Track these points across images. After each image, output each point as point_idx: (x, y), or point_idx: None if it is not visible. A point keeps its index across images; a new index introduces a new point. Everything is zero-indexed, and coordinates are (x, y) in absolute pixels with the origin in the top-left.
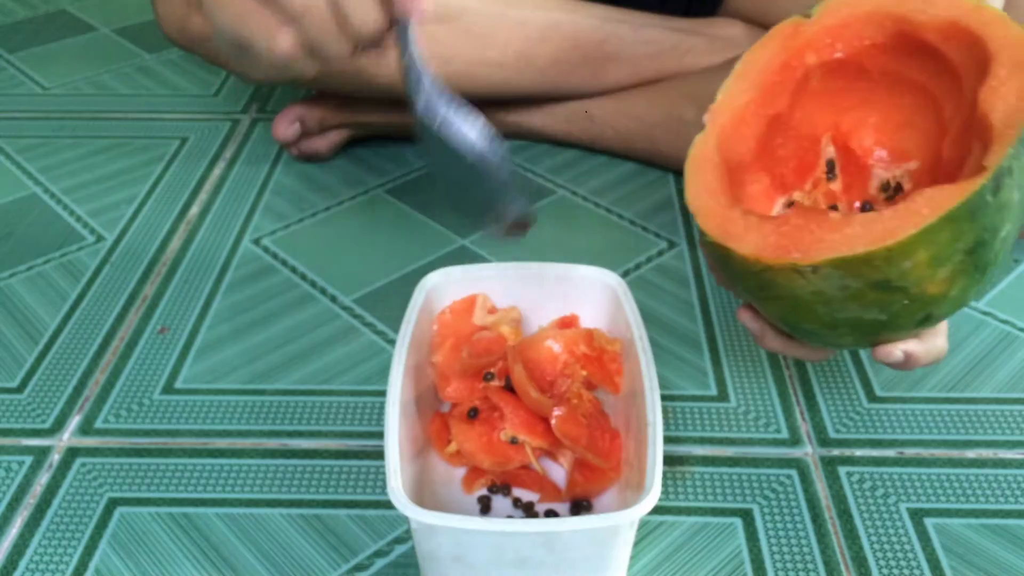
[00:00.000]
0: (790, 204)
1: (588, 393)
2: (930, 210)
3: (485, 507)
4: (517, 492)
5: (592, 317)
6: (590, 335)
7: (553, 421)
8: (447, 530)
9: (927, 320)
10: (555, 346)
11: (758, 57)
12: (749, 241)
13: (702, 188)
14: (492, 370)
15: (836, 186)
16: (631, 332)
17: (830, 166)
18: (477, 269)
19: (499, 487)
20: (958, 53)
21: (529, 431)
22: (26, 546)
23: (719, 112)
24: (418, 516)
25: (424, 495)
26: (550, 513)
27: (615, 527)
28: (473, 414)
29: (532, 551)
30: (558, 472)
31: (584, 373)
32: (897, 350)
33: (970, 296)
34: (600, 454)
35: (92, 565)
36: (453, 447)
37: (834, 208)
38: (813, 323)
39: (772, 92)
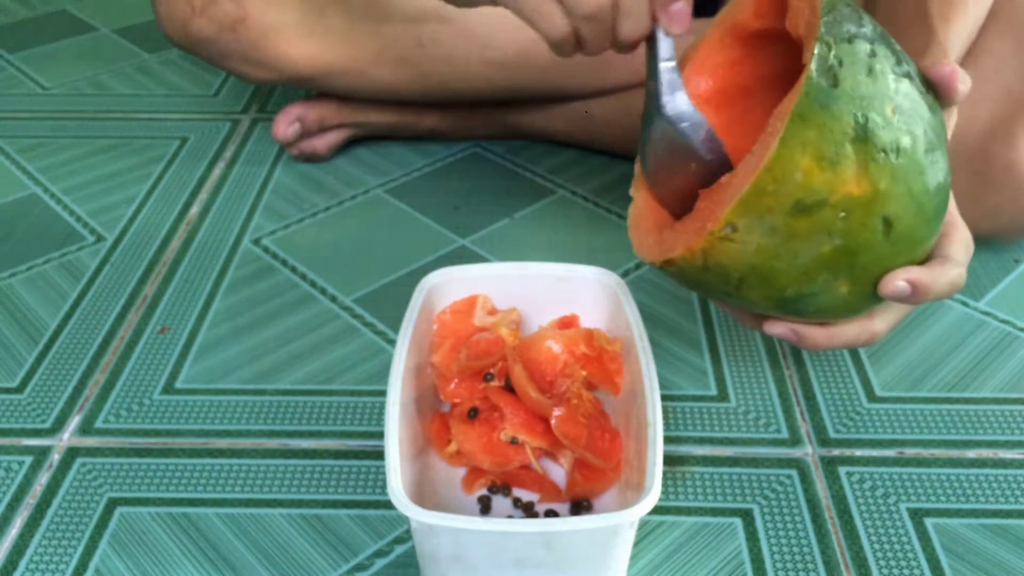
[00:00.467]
0: None
1: (588, 393)
2: (778, 120)
3: (485, 507)
4: (517, 492)
5: (592, 317)
6: (590, 335)
7: (553, 421)
8: (447, 530)
9: (891, 226)
10: (555, 346)
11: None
12: (679, 243)
13: (642, 237)
14: (492, 370)
15: None
16: (631, 332)
17: None
18: (477, 269)
19: (499, 487)
20: (775, 21)
21: (529, 431)
22: (26, 546)
23: (639, 185)
24: (418, 516)
25: (424, 495)
26: (550, 513)
27: (615, 527)
28: (473, 414)
29: (532, 551)
30: (558, 472)
31: (584, 373)
32: (898, 280)
33: (916, 185)
34: (600, 454)
35: (92, 565)
36: (453, 447)
37: None
38: (790, 285)
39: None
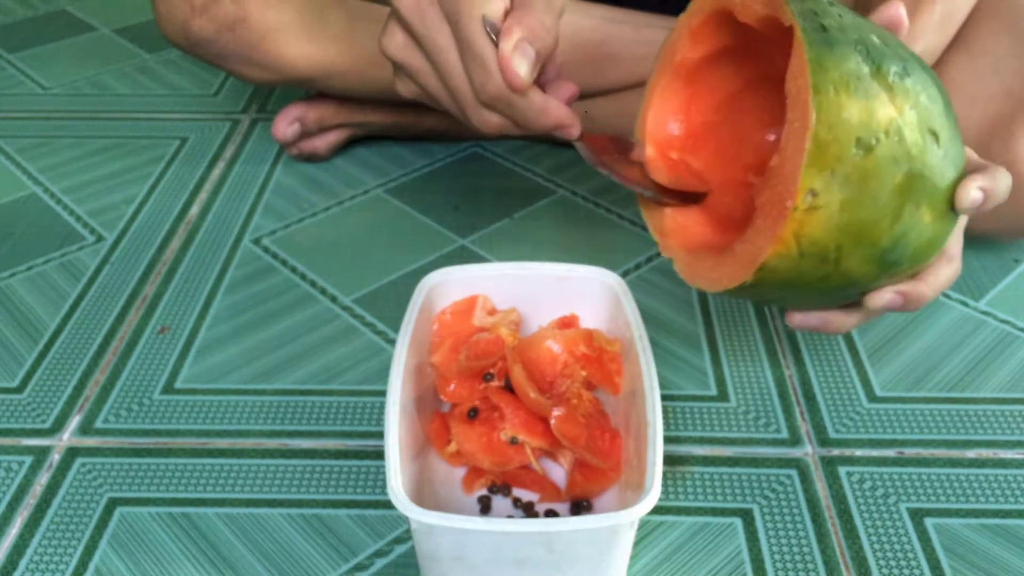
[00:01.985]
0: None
1: (588, 393)
2: (796, 78)
3: (485, 507)
4: (517, 492)
5: (592, 317)
6: (590, 336)
7: (552, 421)
8: (447, 530)
9: (937, 138)
10: (555, 346)
11: (645, 119)
12: (761, 244)
13: (703, 272)
14: (492, 370)
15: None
16: (631, 332)
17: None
18: (477, 269)
19: (499, 487)
20: (713, 40)
21: (529, 431)
22: (26, 546)
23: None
24: (418, 516)
25: (424, 495)
26: (550, 513)
27: (615, 527)
28: (473, 414)
29: (532, 551)
30: (558, 472)
31: (584, 373)
32: (971, 188)
33: (930, 97)
34: (599, 454)
35: (92, 565)
36: (453, 447)
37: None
38: (883, 232)
39: (663, 151)
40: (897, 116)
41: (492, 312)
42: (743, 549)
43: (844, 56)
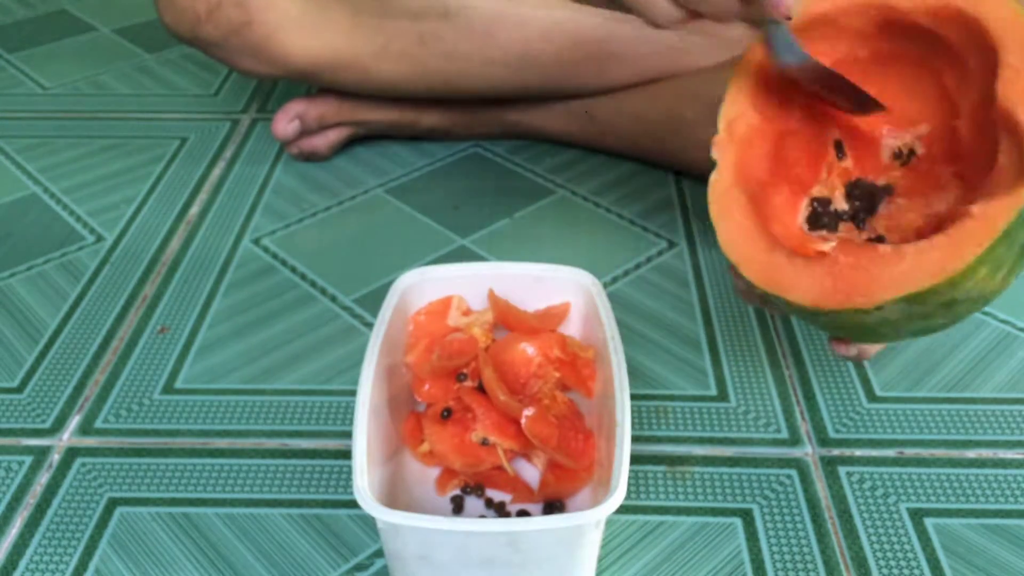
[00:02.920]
0: (813, 202)
1: (562, 395)
2: (985, 231)
3: (458, 507)
4: (490, 493)
5: (568, 318)
6: (564, 340)
7: (523, 421)
8: (412, 530)
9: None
10: (529, 349)
11: (747, 69)
12: (803, 288)
13: (736, 233)
14: (465, 371)
15: (848, 163)
16: (604, 332)
17: (838, 146)
18: (453, 269)
19: (472, 488)
20: (954, 33)
21: (500, 433)
22: (26, 546)
23: (725, 144)
24: (382, 515)
25: (397, 495)
26: (522, 514)
27: (581, 527)
28: (446, 415)
29: (498, 551)
30: (532, 473)
31: (557, 375)
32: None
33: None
34: (572, 455)
35: (92, 565)
36: (426, 447)
37: (880, 239)
38: (875, 339)
39: (770, 107)
40: (991, 289)
41: (467, 313)
42: (743, 549)
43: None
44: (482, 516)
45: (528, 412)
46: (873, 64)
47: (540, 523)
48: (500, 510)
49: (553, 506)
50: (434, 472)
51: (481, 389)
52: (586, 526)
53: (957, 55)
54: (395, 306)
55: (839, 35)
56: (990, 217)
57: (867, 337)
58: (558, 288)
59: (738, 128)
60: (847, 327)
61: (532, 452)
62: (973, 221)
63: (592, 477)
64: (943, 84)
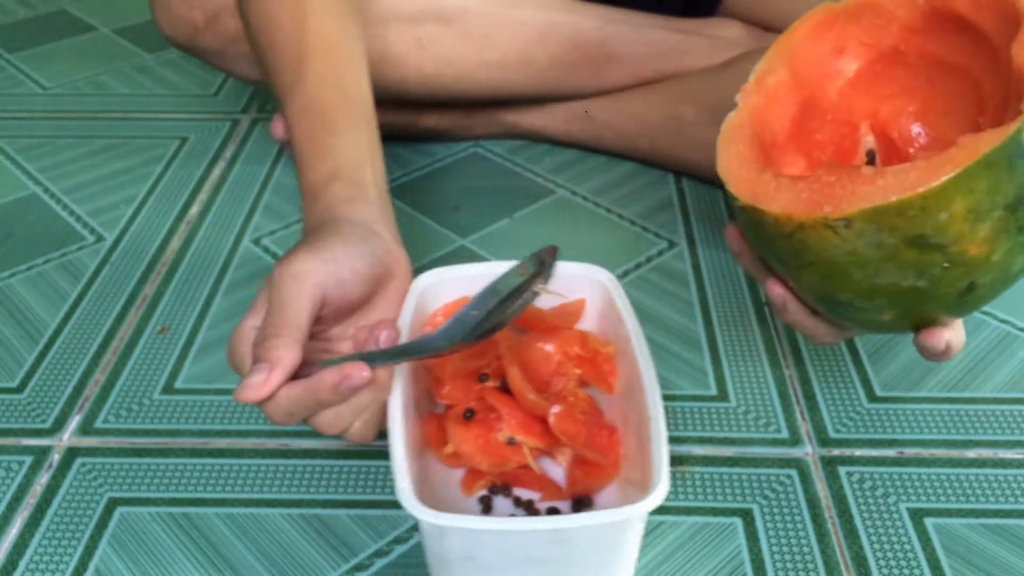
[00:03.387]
0: None
1: (582, 392)
2: (965, 155)
3: (487, 507)
4: (517, 491)
5: (584, 314)
6: (584, 337)
7: (551, 419)
8: (458, 531)
9: (971, 290)
10: (549, 347)
11: (790, 39)
12: (780, 200)
13: (733, 156)
14: (486, 371)
15: None
16: (625, 328)
17: (870, 156)
18: (469, 269)
19: (499, 487)
20: (991, 20)
21: (526, 431)
22: (26, 546)
23: (751, 92)
24: (429, 518)
25: (424, 497)
26: (552, 511)
27: (625, 522)
28: (469, 415)
29: (542, 549)
30: (556, 471)
31: (578, 372)
32: (945, 336)
33: (1016, 266)
34: (599, 450)
35: (92, 565)
36: (450, 448)
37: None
38: (848, 291)
39: (805, 74)
40: (971, 253)
41: None
42: (743, 549)
43: (1008, 179)
44: (512, 515)
45: (555, 410)
46: (919, 72)
47: (587, 519)
48: (529, 508)
49: (581, 502)
50: (456, 473)
51: (504, 388)
52: (631, 520)
53: (994, 52)
54: (414, 307)
55: (887, 26)
56: (972, 144)
57: (838, 286)
58: (573, 285)
59: (768, 82)
60: (817, 262)
61: (556, 450)
62: (956, 148)
63: (619, 472)
64: (982, 99)
